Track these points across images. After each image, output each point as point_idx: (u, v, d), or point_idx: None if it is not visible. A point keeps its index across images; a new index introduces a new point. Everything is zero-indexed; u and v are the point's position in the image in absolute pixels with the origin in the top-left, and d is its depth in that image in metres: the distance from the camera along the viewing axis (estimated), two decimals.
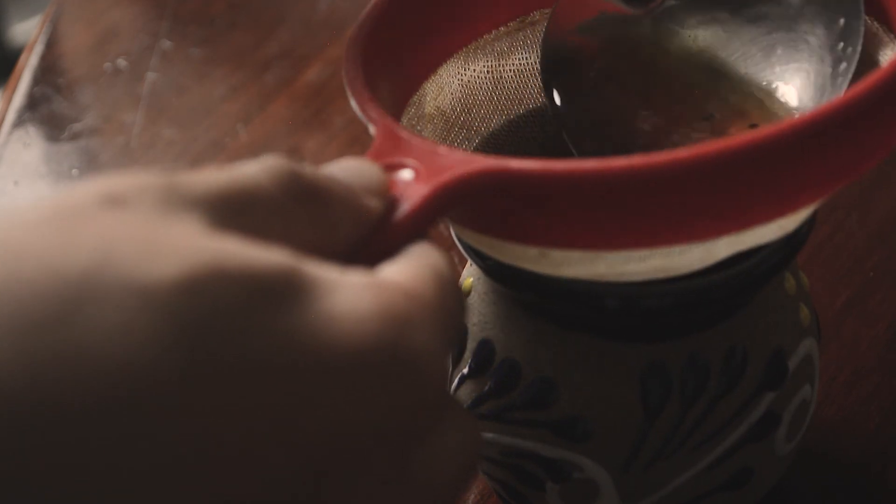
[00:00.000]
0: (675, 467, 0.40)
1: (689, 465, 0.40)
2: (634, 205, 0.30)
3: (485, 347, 0.41)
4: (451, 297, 0.26)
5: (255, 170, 0.25)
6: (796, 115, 0.39)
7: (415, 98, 0.41)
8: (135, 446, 0.20)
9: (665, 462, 0.39)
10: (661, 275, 0.34)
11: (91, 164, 0.69)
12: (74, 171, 0.68)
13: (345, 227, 0.27)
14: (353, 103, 0.35)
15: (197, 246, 0.22)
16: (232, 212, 0.24)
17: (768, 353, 0.40)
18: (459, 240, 0.38)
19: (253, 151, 0.67)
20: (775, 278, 0.39)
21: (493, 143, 0.43)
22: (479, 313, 0.41)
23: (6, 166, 0.69)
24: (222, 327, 0.21)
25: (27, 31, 1.53)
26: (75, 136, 0.70)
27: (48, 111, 0.72)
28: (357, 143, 0.68)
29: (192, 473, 0.21)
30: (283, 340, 0.22)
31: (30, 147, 0.70)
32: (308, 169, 0.26)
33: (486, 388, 0.41)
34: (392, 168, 0.30)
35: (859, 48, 0.38)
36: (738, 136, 0.30)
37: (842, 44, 0.39)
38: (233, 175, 0.25)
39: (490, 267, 0.38)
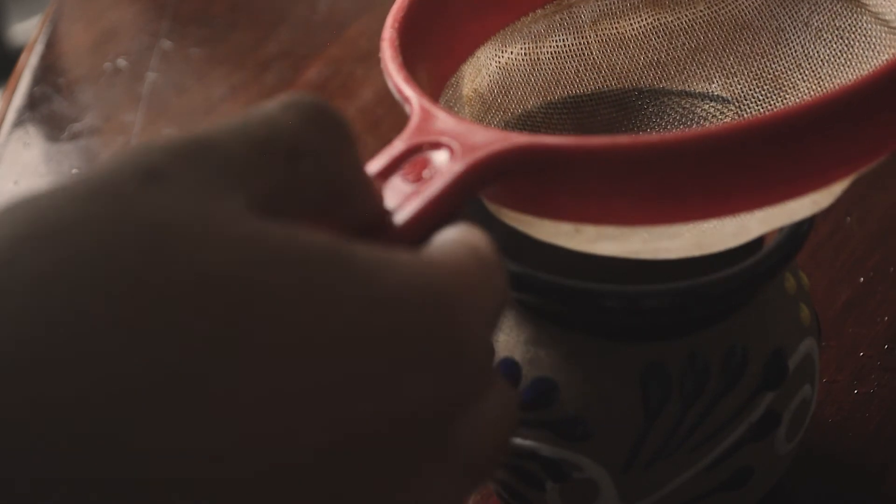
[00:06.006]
0: (675, 467, 0.40)
1: (688, 464, 0.40)
2: (668, 180, 0.30)
3: None
4: (493, 274, 0.26)
5: (274, 107, 0.25)
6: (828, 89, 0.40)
7: (452, 80, 0.41)
8: (196, 426, 0.20)
9: (665, 462, 0.39)
10: (695, 252, 0.34)
11: (91, 164, 0.69)
12: (74, 171, 0.68)
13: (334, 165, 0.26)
14: (389, 84, 0.35)
15: (244, 228, 0.22)
16: (263, 176, 0.24)
17: (768, 353, 0.40)
18: None
19: None
20: (775, 278, 0.39)
21: (530, 126, 0.43)
22: None
23: (6, 166, 0.69)
24: (280, 308, 0.22)
25: (27, 31, 1.54)
26: (75, 136, 0.70)
27: (48, 111, 0.72)
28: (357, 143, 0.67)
29: (244, 452, 0.21)
30: (335, 320, 0.22)
31: (30, 147, 0.70)
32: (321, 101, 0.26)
33: None
34: (428, 147, 0.30)
35: None
36: (769, 113, 0.30)
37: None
38: (253, 122, 0.25)
39: None
